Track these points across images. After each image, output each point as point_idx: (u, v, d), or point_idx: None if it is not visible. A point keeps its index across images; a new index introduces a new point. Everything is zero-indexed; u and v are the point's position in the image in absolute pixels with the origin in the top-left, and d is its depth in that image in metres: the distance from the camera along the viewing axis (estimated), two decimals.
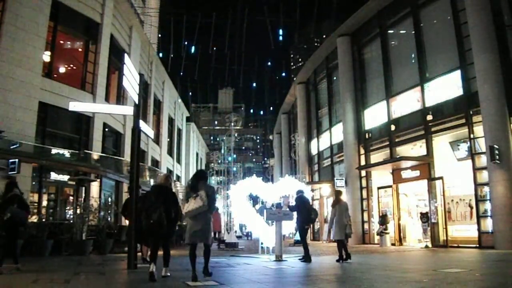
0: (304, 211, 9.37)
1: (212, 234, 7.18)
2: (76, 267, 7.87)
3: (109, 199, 18.40)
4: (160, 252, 6.22)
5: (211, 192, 5.94)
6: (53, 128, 15.43)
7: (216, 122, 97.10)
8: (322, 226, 21.08)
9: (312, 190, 19.41)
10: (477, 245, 12.42)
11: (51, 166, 14.96)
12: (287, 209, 9.86)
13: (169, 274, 6.18)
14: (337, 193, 9.83)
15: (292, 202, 10.19)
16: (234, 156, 24.57)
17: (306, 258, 8.92)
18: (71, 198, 16.33)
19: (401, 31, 17.59)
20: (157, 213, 6.00)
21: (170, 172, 30.71)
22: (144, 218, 6.21)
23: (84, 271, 7.04)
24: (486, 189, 12.43)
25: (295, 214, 9.77)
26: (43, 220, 13.17)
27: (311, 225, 10.68)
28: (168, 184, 6.61)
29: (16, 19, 13.69)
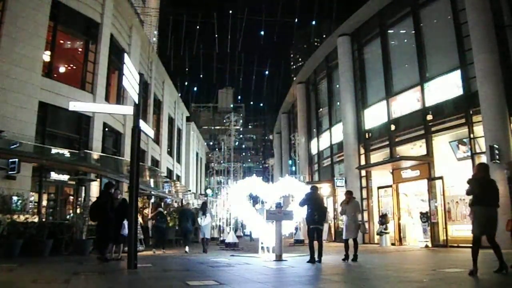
0: (308, 210, 9.13)
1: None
2: (76, 267, 7.87)
3: None
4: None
5: (211, 213, 14.52)
6: (53, 128, 15.39)
7: (216, 122, 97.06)
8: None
9: None
10: None
11: (51, 166, 14.94)
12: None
13: (187, 249, 12.93)
14: (349, 193, 9.81)
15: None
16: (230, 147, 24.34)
17: (310, 259, 8.63)
18: (71, 198, 16.32)
19: (401, 31, 17.59)
20: (184, 221, 13.43)
21: (170, 172, 30.76)
22: (180, 224, 14.01)
23: (84, 271, 7.04)
24: None
25: (296, 212, 9.79)
26: (43, 220, 13.17)
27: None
28: (189, 206, 15.86)
29: (16, 19, 13.65)
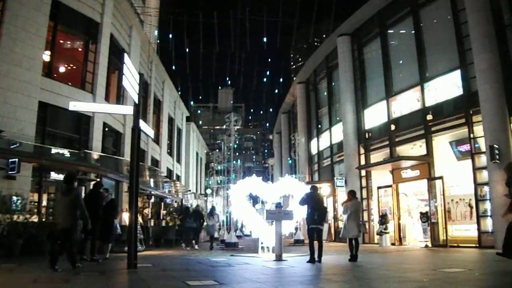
0: (308, 210, 9.12)
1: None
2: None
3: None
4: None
5: (218, 215, 18.00)
6: (53, 128, 15.38)
7: (216, 122, 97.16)
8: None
9: None
10: (477, 245, 12.43)
11: (51, 166, 14.94)
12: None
13: (197, 247, 14.97)
14: (351, 193, 9.79)
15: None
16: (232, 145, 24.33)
17: (310, 259, 8.62)
18: None
19: (401, 31, 17.58)
20: (193, 221, 15.11)
21: (170, 172, 30.77)
22: (190, 223, 15.20)
23: (84, 271, 7.03)
24: (486, 188, 12.43)
25: (296, 212, 9.80)
26: (43, 220, 13.17)
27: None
28: (199, 209, 18.55)
29: (16, 19, 13.64)
